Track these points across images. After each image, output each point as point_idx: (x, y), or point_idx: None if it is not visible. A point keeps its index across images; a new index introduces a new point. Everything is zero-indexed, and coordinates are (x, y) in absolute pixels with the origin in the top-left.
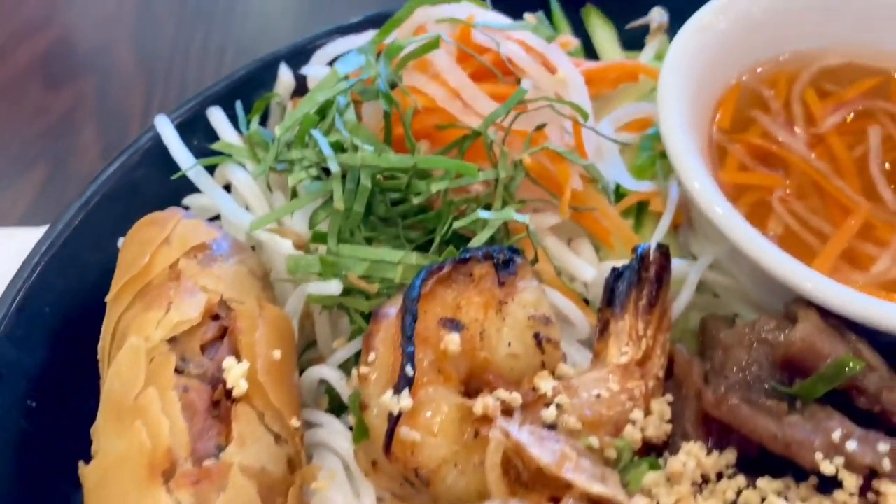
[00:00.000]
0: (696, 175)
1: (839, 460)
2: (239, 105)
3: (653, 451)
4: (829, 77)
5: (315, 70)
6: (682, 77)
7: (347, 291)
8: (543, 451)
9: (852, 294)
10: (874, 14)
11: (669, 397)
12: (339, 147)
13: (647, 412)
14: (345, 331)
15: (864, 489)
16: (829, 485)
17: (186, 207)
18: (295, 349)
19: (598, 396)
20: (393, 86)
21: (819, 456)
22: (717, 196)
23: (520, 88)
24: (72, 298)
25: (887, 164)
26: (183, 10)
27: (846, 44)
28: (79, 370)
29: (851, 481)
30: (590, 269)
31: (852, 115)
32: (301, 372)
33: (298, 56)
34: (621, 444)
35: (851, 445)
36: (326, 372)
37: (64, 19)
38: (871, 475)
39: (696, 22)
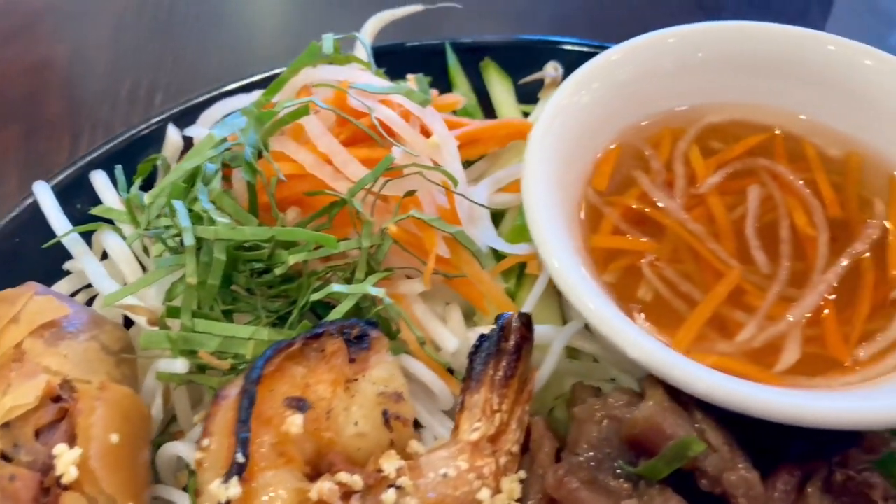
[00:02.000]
0: (552, 247)
1: None
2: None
3: None
4: (716, 134)
5: (199, 131)
6: (548, 155)
7: (204, 367)
8: None
9: (699, 371)
10: (756, 70)
11: (522, 474)
12: (199, 218)
13: (497, 491)
14: (208, 404)
15: None
16: None
17: (68, 272)
18: (143, 428)
19: (445, 476)
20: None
21: None
22: (568, 265)
23: (387, 156)
24: None
25: (758, 225)
26: (115, 55)
27: (731, 100)
28: None
29: None
30: (452, 339)
31: (734, 174)
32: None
33: (188, 116)
34: None
35: None
36: (181, 448)
37: None
38: None
39: (556, 104)
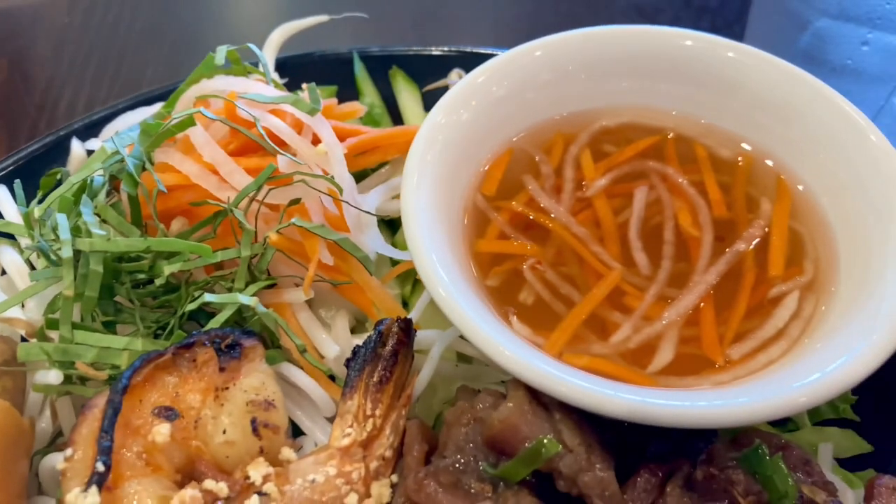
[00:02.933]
0: (422, 254)
1: None
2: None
3: None
4: (609, 138)
5: (99, 145)
6: (429, 168)
7: (86, 379)
8: None
9: (558, 373)
10: (635, 72)
11: (394, 478)
12: (80, 231)
13: (366, 495)
14: None
15: None
16: None
17: None
18: (20, 441)
19: (313, 482)
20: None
21: None
22: (435, 270)
23: (269, 165)
24: None
25: (644, 227)
26: (54, 70)
27: (623, 104)
28: None
29: None
30: (333, 346)
31: (623, 176)
32: None
33: (92, 129)
34: None
35: None
36: (60, 459)
37: None
38: None
39: (432, 124)
